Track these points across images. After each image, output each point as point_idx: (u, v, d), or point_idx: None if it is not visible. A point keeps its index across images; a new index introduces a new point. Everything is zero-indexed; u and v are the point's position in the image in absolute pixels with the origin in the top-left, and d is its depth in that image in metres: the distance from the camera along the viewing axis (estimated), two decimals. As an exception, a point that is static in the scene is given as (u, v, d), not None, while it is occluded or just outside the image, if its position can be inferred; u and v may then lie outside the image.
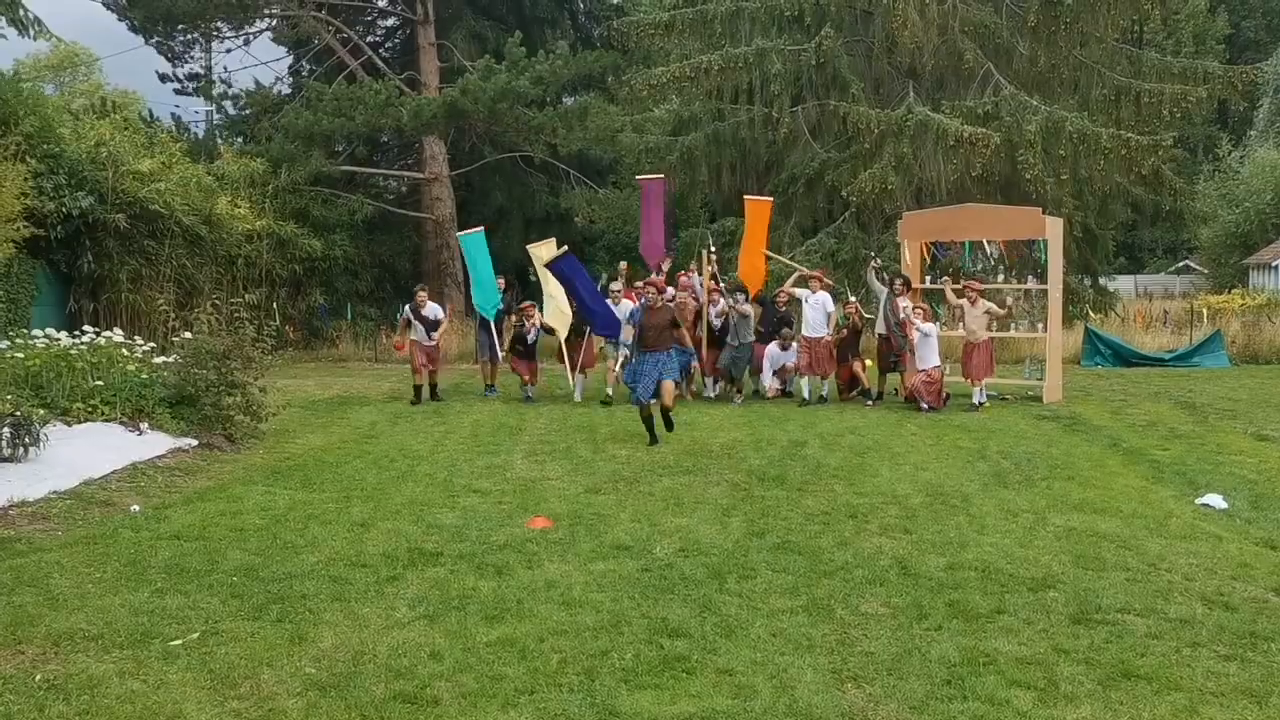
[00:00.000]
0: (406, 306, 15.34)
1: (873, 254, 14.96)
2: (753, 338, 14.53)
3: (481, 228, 16.80)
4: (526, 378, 15.25)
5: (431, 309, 15.21)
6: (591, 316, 14.47)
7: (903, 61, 23.65)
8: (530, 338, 15.28)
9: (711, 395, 15.07)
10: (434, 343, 15.23)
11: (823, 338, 14.40)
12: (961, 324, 14.35)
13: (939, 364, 13.73)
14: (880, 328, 14.53)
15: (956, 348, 15.45)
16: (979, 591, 5.80)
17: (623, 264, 16.22)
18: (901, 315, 13.95)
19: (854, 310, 14.93)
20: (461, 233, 17.55)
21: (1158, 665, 4.71)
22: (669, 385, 11.03)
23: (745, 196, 16.90)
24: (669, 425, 11.08)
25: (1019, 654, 4.86)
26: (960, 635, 5.12)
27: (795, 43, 23.98)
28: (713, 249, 15.73)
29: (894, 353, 14.39)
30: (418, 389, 15.13)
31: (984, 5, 23.61)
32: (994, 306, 14.38)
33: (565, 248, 14.77)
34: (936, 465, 9.73)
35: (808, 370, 14.50)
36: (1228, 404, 13.69)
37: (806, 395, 14.47)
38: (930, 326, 13.69)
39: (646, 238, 16.25)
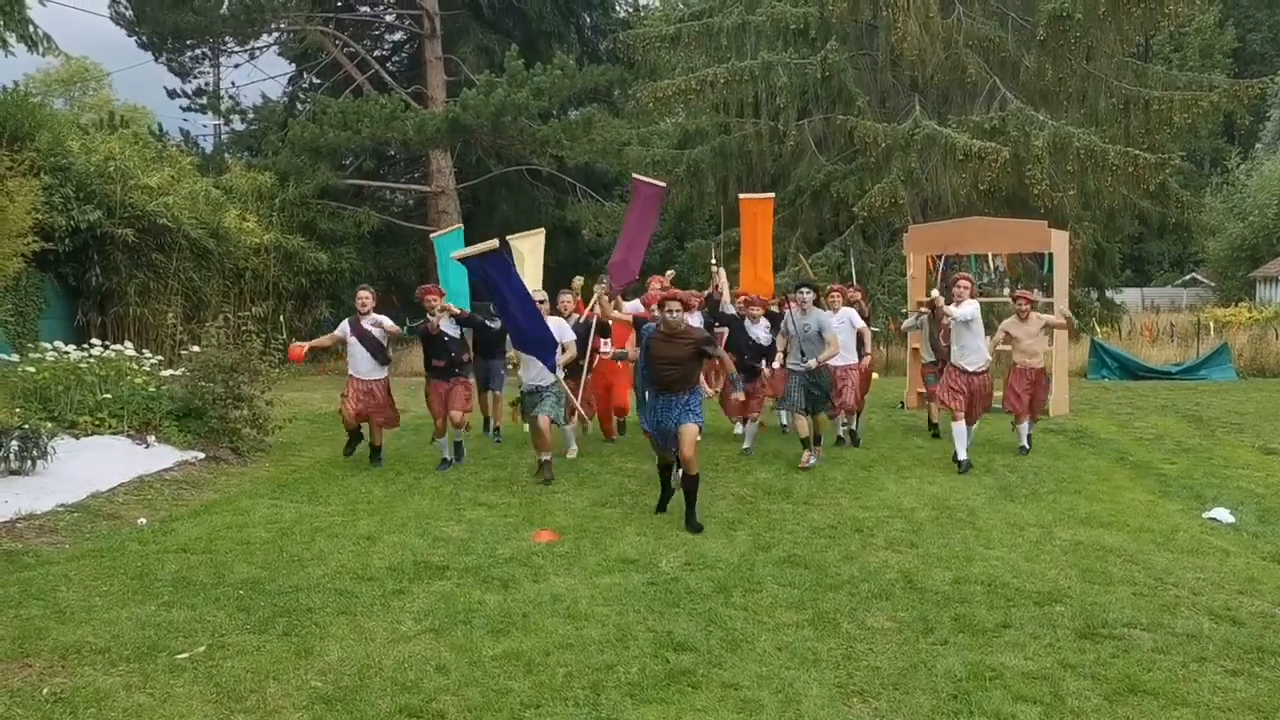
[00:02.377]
0: (345, 323, 10.59)
1: (928, 305, 11.83)
2: (829, 351, 10.29)
3: (459, 226, 13.35)
4: (440, 419, 10.49)
5: (375, 321, 10.42)
6: (517, 333, 9.69)
7: (908, 75, 23.72)
8: (450, 336, 10.37)
9: (746, 445, 11.36)
10: (379, 379, 10.44)
11: (852, 364, 11.38)
12: (1011, 346, 11.18)
13: (987, 363, 10.45)
14: (927, 354, 12.77)
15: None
16: (985, 606, 5.79)
17: (578, 279, 12.35)
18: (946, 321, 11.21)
19: (835, 290, 12.58)
20: (437, 233, 13.79)
21: (1164, 680, 4.70)
22: (691, 431, 7.87)
23: (741, 196, 13.65)
24: (690, 499, 7.92)
25: (1025, 669, 4.85)
26: (966, 650, 5.12)
27: (801, 56, 24.10)
28: (716, 262, 12.62)
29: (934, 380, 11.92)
30: (352, 435, 10.67)
31: (989, 20, 23.69)
32: (1052, 316, 11.83)
33: (495, 243, 9.70)
34: (942, 479, 9.71)
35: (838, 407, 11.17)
36: (1235, 417, 13.65)
37: (841, 433, 11.75)
38: (971, 308, 10.21)
39: (623, 254, 11.80)
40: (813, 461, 10.27)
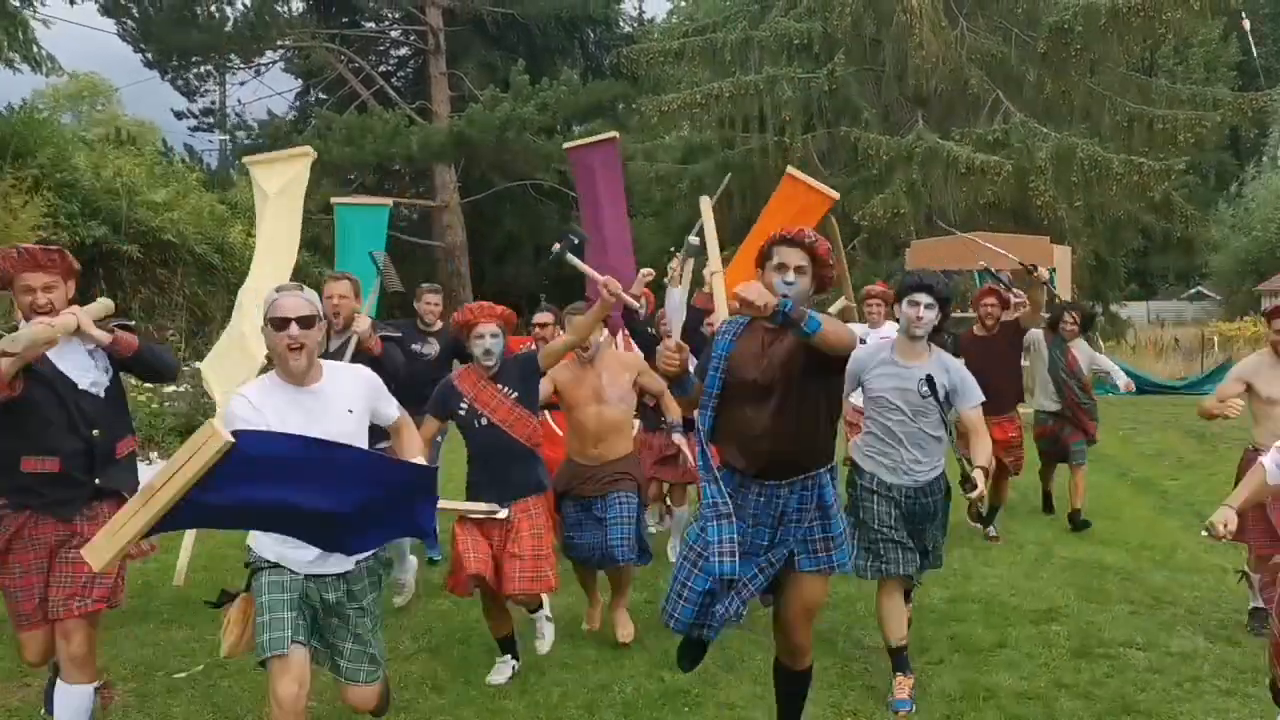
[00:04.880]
0: None
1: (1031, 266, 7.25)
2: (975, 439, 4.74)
3: (388, 201, 8.20)
4: (27, 630, 4.11)
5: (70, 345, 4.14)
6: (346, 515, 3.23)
7: (912, 87, 23.78)
8: (80, 389, 4.14)
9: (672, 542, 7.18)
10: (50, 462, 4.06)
11: None
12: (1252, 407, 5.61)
13: None
14: (1042, 399, 8.34)
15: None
16: (981, 624, 5.79)
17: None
18: (1088, 370, 8.32)
19: (992, 301, 7.78)
20: (340, 200, 8.05)
21: (1158, 700, 4.70)
22: (815, 591, 3.81)
23: (790, 172, 7.59)
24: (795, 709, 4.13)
25: (1019, 688, 4.85)
26: (961, 669, 5.12)
27: (805, 71, 24.17)
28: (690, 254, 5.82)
29: (1061, 438, 8.24)
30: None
31: (993, 34, 23.75)
32: None
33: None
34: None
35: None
36: (1238, 433, 13.58)
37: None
38: None
39: (601, 254, 7.45)
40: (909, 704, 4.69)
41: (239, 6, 26.74)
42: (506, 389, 4.99)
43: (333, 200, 8.10)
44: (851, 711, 4.64)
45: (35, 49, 12.18)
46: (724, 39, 25.12)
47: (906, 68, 22.95)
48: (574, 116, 28.16)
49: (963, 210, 21.43)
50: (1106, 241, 25.68)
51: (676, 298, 5.50)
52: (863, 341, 6.26)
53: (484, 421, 4.96)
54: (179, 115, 30.39)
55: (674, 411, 5.83)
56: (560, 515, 5.54)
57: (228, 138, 30.35)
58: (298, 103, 32.51)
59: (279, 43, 28.48)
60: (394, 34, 31.96)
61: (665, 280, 5.66)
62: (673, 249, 5.24)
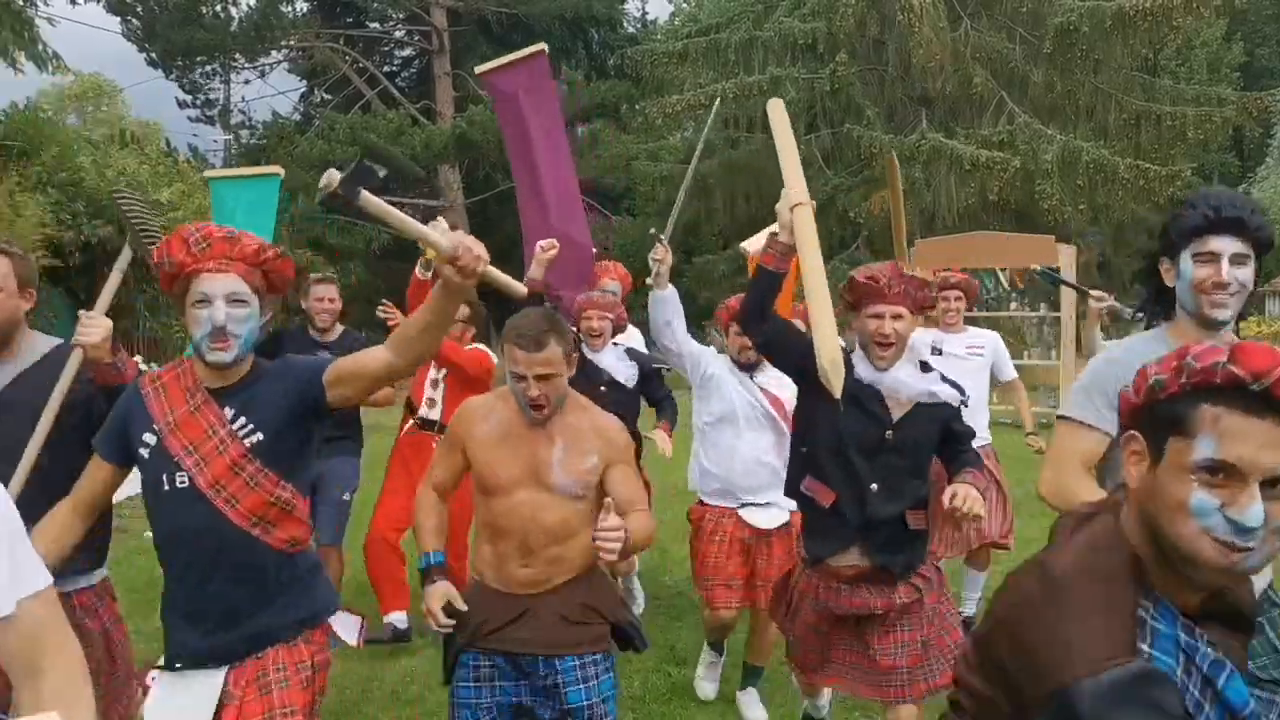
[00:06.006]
0: None
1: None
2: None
3: (276, 170, 5.64)
4: None
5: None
6: None
7: (916, 87, 23.78)
8: None
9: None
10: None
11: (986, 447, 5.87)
12: None
13: None
14: None
15: None
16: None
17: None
18: None
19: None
20: (214, 174, 5.98)
21: (1167, 695, 4.67)
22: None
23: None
24: None
25: (1027, 683, 4.83)
26: (969, 664, 5.09)
27: (809, 71, 24.18)
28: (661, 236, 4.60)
29: None
30: None
31: (997, 34, 23.74)
32: None
33: None
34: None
35: (951, 547, 5.76)
36: (1243, 432, 13.59)
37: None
38: None
39: (539, 214, 5.72)
40: None
41: (243, 6, 26.86)
42: (242, 421, 2.54)
43: (206, 174, 6.38)
44: (859, 706, 4.63)
45: (40, 47, 12.21)
46: (727, 39, 25.15)
47: (910, 68, 22.95)
48: (577, 116, 28.21)
49: (966, 210, 21.44)
50: (1111, 241, 25.68)
51: (662, 301, 4.29)
52: (937, 352, 5.24)
53: (181, 481, 2.49)
54: (181, 104, 30.66)
55: (637, 535, 2.84)
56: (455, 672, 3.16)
57: (232, 137, 30.45)
58: (302, 103, 32.59)
59: (283, 43, 28.55)
60: (398, 34, 32.02)
61: (648, 280, 4.45)
62: (653, 230, 4.50)
